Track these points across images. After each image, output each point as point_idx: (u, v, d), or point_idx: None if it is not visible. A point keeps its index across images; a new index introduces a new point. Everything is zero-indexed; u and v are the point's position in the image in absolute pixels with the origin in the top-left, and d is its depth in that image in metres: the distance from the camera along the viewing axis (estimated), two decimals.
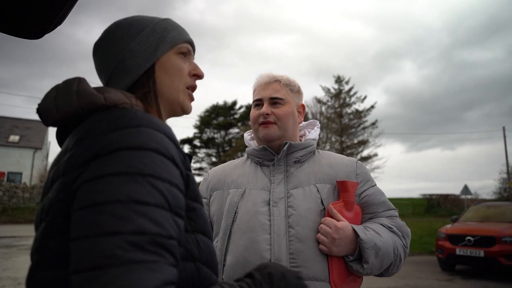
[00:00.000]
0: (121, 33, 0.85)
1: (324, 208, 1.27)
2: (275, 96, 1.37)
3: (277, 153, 1.36)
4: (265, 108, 1.35)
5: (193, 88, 0.90)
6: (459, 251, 8.24)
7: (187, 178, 0.71)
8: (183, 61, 0.88)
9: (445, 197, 28.24)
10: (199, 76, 0.91)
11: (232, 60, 61.46)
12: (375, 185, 1.41)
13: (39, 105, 0.77)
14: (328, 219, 1.23)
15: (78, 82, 0.75)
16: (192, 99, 0.90)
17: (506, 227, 8.37)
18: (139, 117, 0.68)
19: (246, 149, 1.46)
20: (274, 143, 1.37)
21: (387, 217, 1.36)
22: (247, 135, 1.52)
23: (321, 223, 1.23)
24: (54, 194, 0.66)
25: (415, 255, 11.44)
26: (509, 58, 66.90)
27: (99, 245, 0.55)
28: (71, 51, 55.84)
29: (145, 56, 0.83)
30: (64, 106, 0.73)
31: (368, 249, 1.20)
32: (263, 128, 1.35)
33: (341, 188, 1.29)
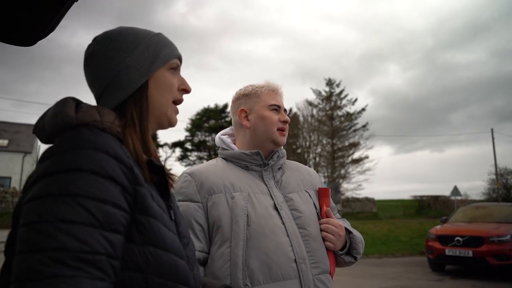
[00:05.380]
0: (115, 47, 0.87)
1: (317, 211, 1.41)
2: (285, 108, 1.51)
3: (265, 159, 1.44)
4: (287, 117, 1.48)
5: (179, 101, 0.95)
6: (448, 251, 8.35)
7: (134, 193, 0.75)
8: (173, 76, 0.92)
9: (436, 199, 28.50)
10: (187, 91, 0.96)
11: (216, 64, 60.84)
12: None
13: (34, 125, 0.84)
14: (332, 220, 1.39)
15: (62, 103, 0.81)
16: (177, 112, 0.95)
17: (493, 227, 8.51)
18: (82, 138, 0.73)
19: (228, 152, 1.45)
20: (263, 149, 1.44)
21: (340, 218, 1.52)
22: (226, 138, 1.51)
23: (325, 223, 1.38)
24: (14, 210, 0.76)
25: (406, 256, 11.56)
26: (491, 60, 67.44)
27: (26, 261, 0.61)
28: (55, 55, 54.89)
29: (141, 72, 0.87)
30: (49, 126, 0.79)
31: (359, 243, 1.42)
32: (281, 135, 1.45)
33: (324, 194, 1.47)
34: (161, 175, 0.87)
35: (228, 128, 1.58)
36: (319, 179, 1.56)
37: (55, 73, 57.74)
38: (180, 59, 0.96)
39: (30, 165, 30.03)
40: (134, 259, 0.73)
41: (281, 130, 1.44)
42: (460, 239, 8.27)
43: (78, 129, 0.75)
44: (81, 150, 0.71)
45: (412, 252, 12.07)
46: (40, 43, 1.22)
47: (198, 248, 1.26)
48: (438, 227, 9.48)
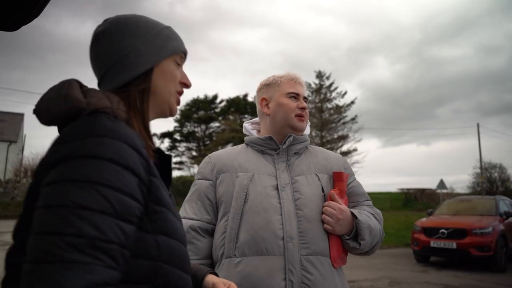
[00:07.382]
0: (128, 30, 0.89)
1: (324, 194, 1.45)
2: (305, 96, 1.58)
3: (279, 144, 1.51)
4: (305, 104, 1.55)
5: (180, 93, 0.97)
6: (433, 243, 8.50)
7: (149, 184, 0.77)
8: (176, 69, 0.95)
9: (422, 192, 28.95)
10: (187, 85, 0.98)
11: (204, 54, 60.20)
12: (356, 178, 1.63)
13: (36, 105, 0.82)
14: (332, 202, 1.41)
15: (68, 86, 0.80)
16: (179, 103, 0.97)
17: (476, 220, 8.70)
18: (104, 126, 0.73)
19: (247, 137, 1.59)
20: (282, 135, 1.52)
21: (367, 206, 1.57)
22: (248, 125, 1.66)
23: (325, 206, 1.40)
24: (28, 192, 0.75)
25: (392, 247, 11.74)
26: (477, 55, 68.60)
27: (41, 242, 0.63)
28: (39, 42, 53.82)
29: (149, 57, 0.89)
30: (54, 109, 0.79)
31: (364, 229, 1.41)
32: (299, 120, 1.52)
33: (337, 178, 1.49)
34: (166, 164, 0.90)
35: (257, 118, 1.70)
36: (339, 164, 1.56)
37: (40, 61, 56.65)
38: (185, 54, 0.99)
39: (15, 154, 29.53)
40: (146, 248, 0.74)
41: (299, 116, 1.52)
42: (445, 231, 8.42)
43: (96, 115, 0.75)
44: (103, 138, 0.71)
45: (399, 244, 12.26)
46: (25, 30, 1.19)
47: (207, 220, 1.44)
48: (424, 219, 9.63)
